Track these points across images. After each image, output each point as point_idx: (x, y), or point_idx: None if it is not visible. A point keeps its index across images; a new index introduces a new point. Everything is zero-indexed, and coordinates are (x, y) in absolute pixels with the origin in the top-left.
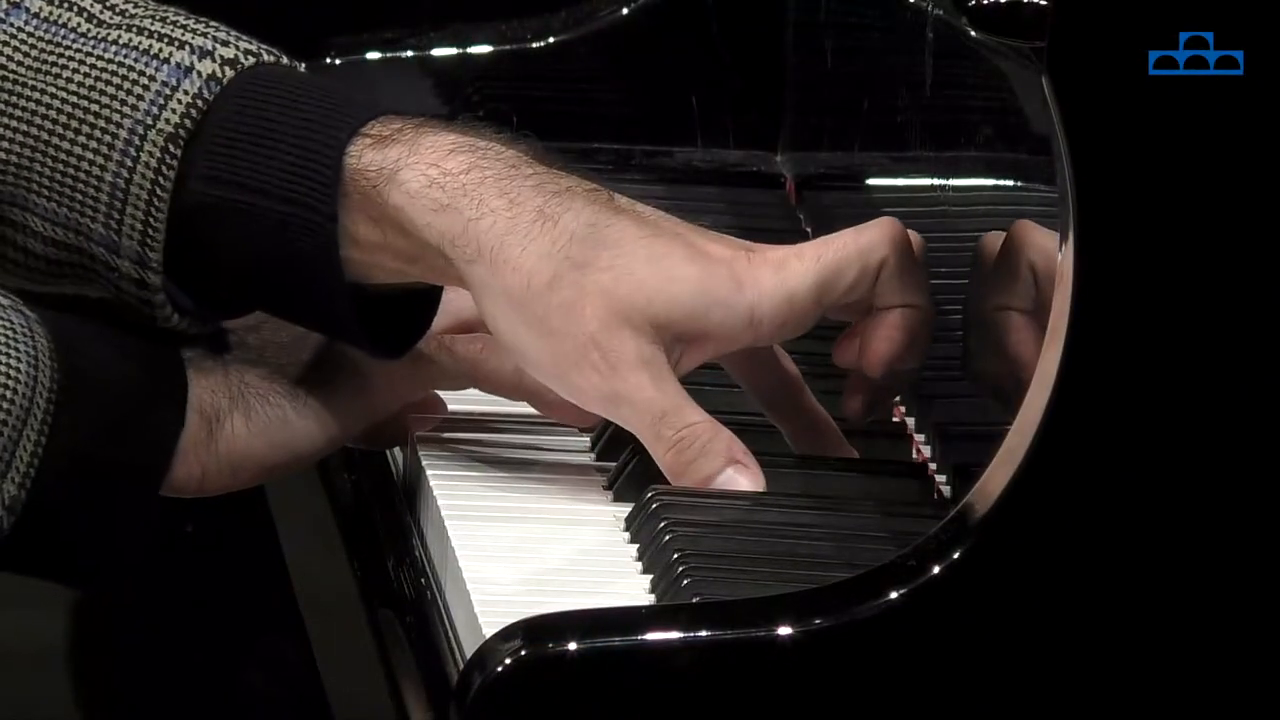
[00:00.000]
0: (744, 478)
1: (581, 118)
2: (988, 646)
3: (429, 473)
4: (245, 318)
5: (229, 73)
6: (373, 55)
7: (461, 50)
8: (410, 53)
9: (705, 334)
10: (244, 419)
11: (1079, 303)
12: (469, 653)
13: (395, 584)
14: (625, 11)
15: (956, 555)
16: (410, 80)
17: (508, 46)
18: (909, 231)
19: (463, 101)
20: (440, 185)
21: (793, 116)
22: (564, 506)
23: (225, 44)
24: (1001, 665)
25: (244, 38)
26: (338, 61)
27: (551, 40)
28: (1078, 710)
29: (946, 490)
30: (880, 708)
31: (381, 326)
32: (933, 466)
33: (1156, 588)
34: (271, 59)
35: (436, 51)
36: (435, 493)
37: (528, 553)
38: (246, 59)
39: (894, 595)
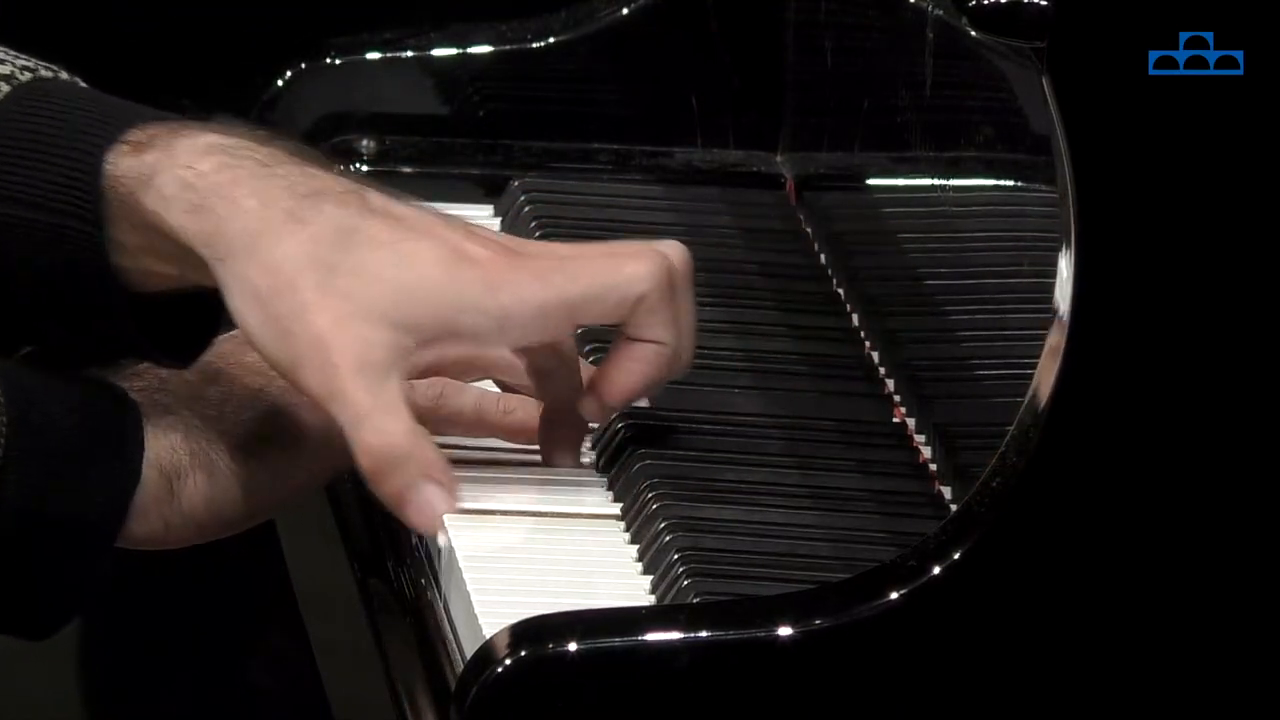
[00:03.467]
0: (436, 498)
1: (581, 118)
2: (987, 647)
3: None
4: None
5: (3, 88)
6: (373, 55)
7: (461, 50)
8: (410, 53)
9: (455, 335)
10: (206, 476)
11: (1079, 303)
12: (469, 653)
13: (395, 584)
14: (625, 11)
15: (956, 555)
16: (410, 80)
17: (508, 46)
18: (679, 259)
19: (463, 101)
20: (194, 187)
21: (793, 116)
22: (564, 506)
23: (1, 62)
24: (1001, 665)
25: (21, 56)
26: (338, 61)
27: (551, 40)
28: (1078, 710)
29: (946, 490)
30: (880, 708)
31: (168, 334)
32: (933, 467)
33: (1156, 588)
34: (49, 74)
35: (436, 51)
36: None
37: (528, 553)
38: (23, 75)
39: (894, 595)
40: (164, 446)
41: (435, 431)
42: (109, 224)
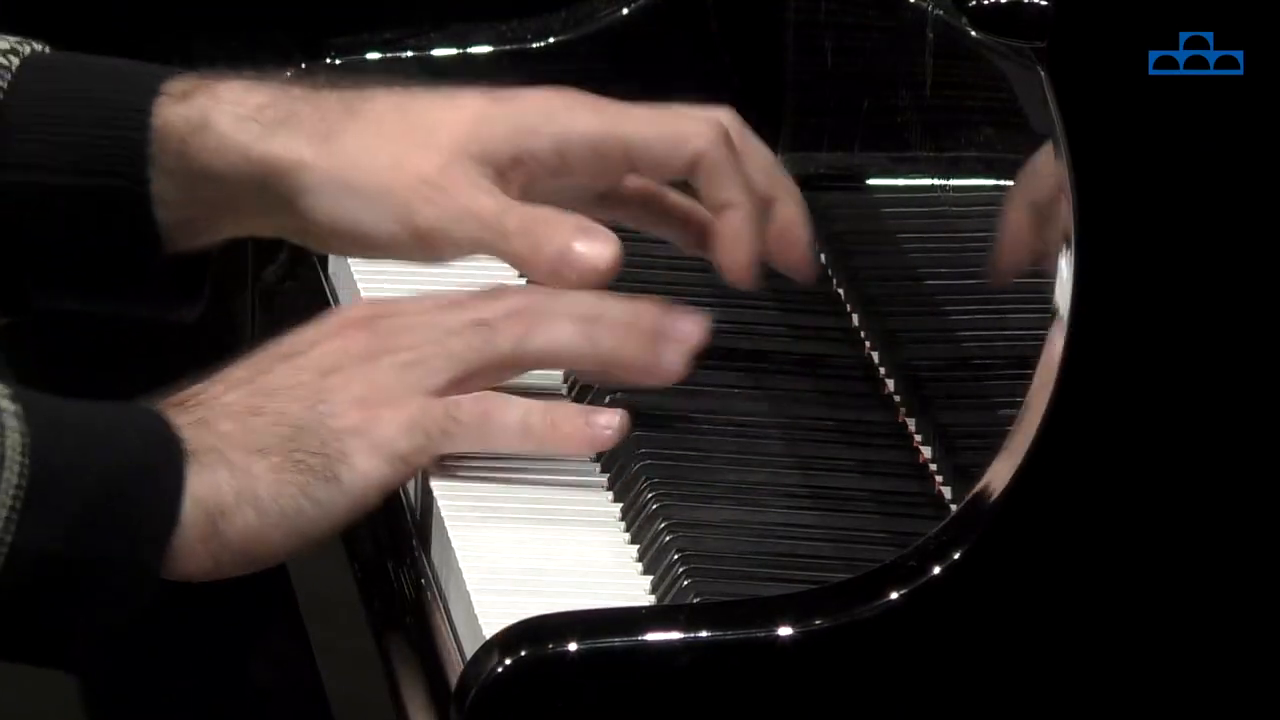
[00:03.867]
0: (595, 242)
1: None
2: (988, 647)
3: (429, 471)
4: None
5: (14, 60)
6: (373, 55)
7: (461, 50)
8: (410, 53)
9: (521, 162)
10: (254, 512)
11: (1079, 303)
12: (469, 653)
13: (395, 584)
14: (625, 11)
15: (956, 555)
16: (410, 80)
17: (508, 46)
18: (730, 120)
19: None
20: (253, 120)
21: (793, 116)
22: (564, 506)
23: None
24: (1001, 665)
25: (5, 37)
26: (338, 61)
27: (551, 40)
28: (1078, 710)
29: (947, 490)
30: (880, 708)
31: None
32: (933, 467)
33: (1156, 587)
34: (40, 47)
35: (436, 51)
36: (436, 493)
37: (528, 553)
38: (23, 48)
39: (894, 595)
40: (207, 485)
41: (480, 448)
42: (153, 179)
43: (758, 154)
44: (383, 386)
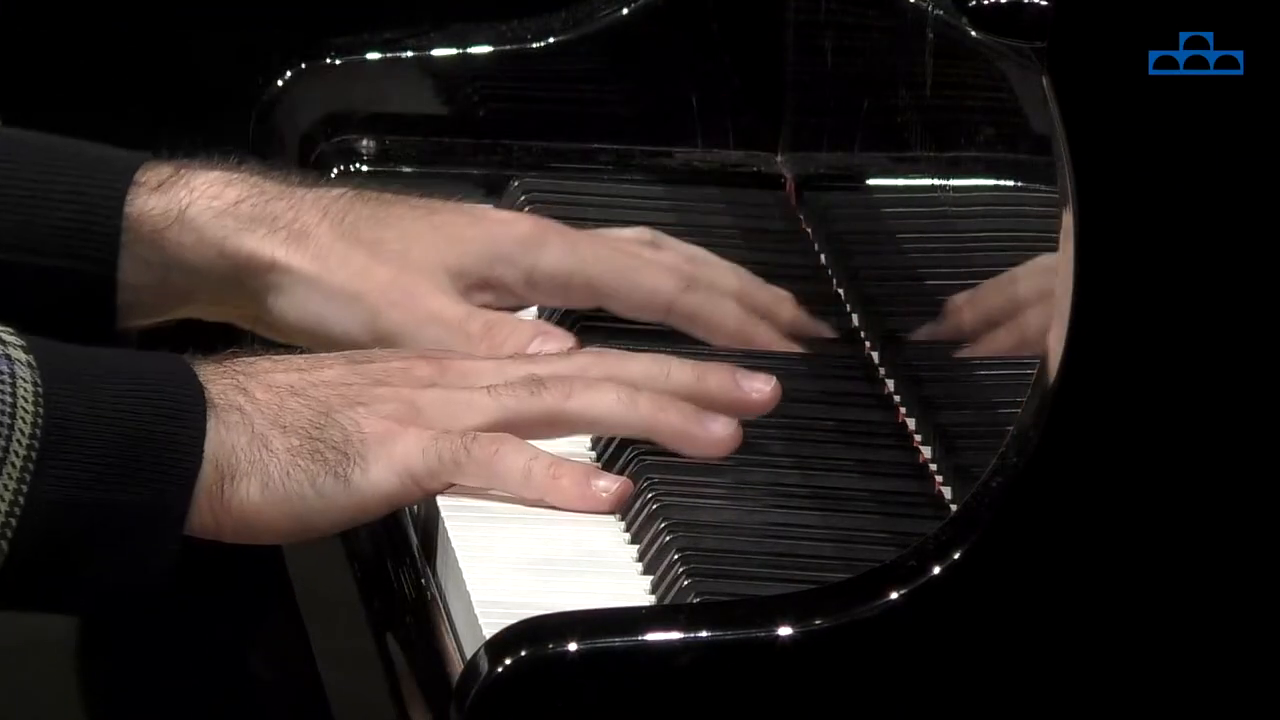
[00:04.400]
0: (552, 344)
1: (581, 118)
2: (988, 647)
3: None
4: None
5: None
6: (373, 55)
7: (461, 50)
8: (410, 53)
9: (490, 286)
10: (260, 487)
11: (1079, 303)
12: (469, 653)
13: (395, 584)
14: (625, 12)
15: (956, 555)
16: (410, 80)
17: (508, 46)
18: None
19: (463, 101)
20: (230, 214)
21: (793, 117)
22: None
23: None
24: (1001, 665)
25: None
26: (338, 61)
27: (551, 40)
28: (1078, 710)
29: (946, 490)
30: (880, 708)
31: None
32: (933, 467)
33: (1156, 587)
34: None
35: (436, 51)
36: (444, 512)
37: (528, 553)
38: None
39: (894, 595)
40: (224, 445)
41: (485, 485)
42: (121, 266)
43: (707, 263)
44: (421, 410)
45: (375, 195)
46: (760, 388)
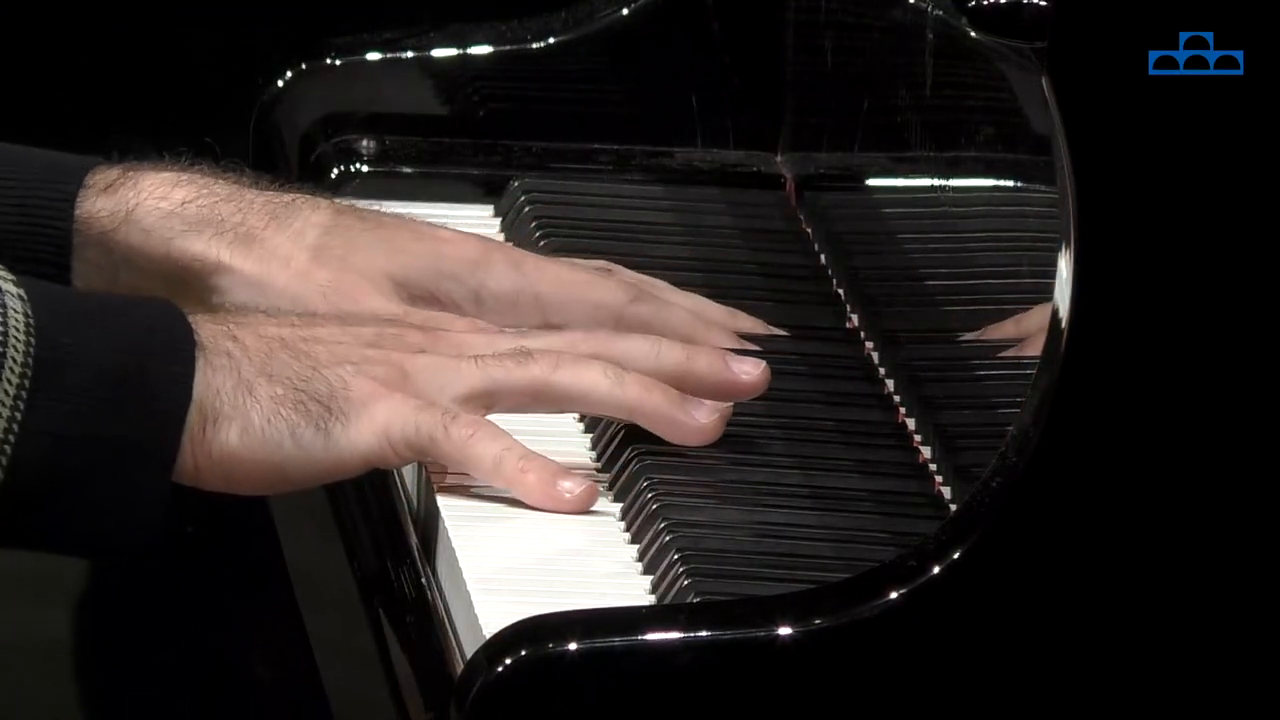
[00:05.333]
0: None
1: (581, 118)
2: (988, 647)
3: (430, 473)
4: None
5: None
6: (373, 55)
7: (461, 50)
8: (410, 53)
9: (437, 301)
10: (240, 431)
11: (1079, 303)
12: (469, 653)
13: (395, 584)
14: (625, 12)
15: (956, 555)
16: (410, 80)
17: (508, 46)
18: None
19: (463, 101)
20: (177, 215)
21: (793, 116)
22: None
23: None
24: (1001, 665)
25: None
26: (338, 61)
27: (551, 40)
28: (1078, 710)
29: (946, 490)
30: (880, 708)
31: None
32: (933, 467)
33: (1156, 587)
34: None
35: (436, 51)
36: (437, 492)
37: (528, 553)
38: None
39: (894, 595)
40: (210, 387)
41: (456, 465)
42: (75, 267)
43: (657, 285)
44: (409, 375)
45: (326, 203)
46: (749, 370)
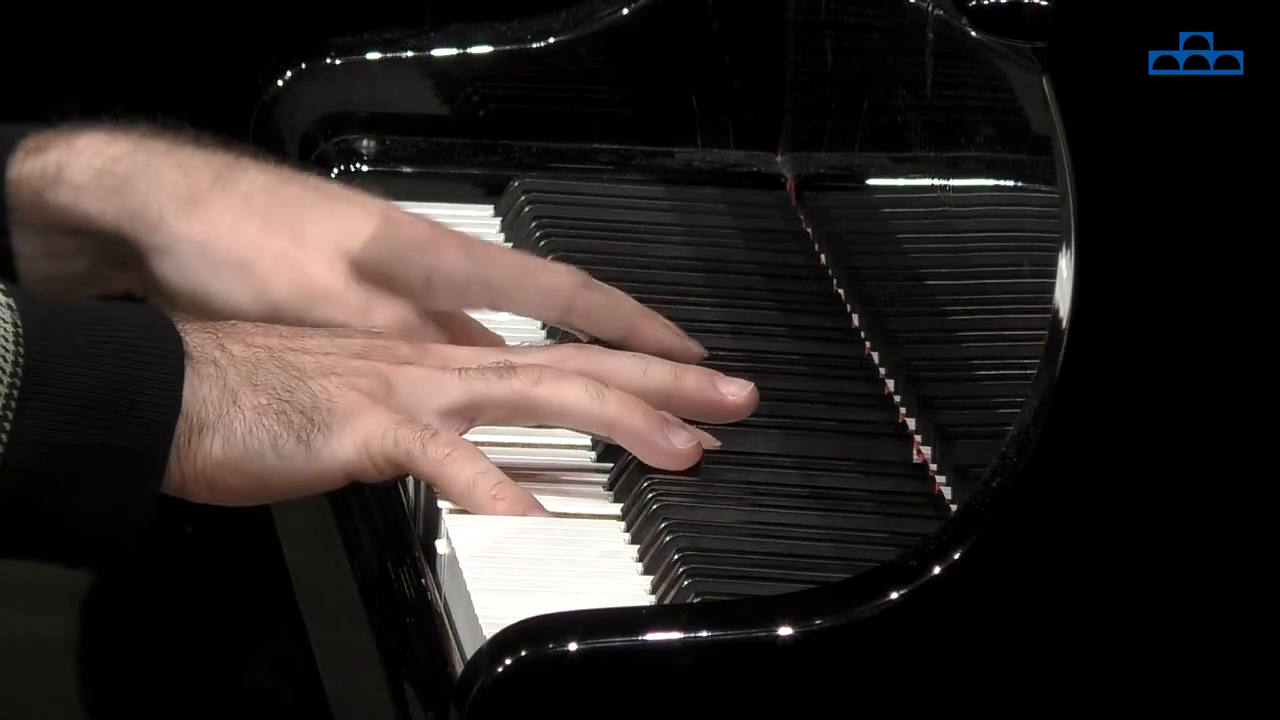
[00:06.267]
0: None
1: (581, 118)
2: (988, 647)
3: None
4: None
5: None
6: (373, 55)
7: (461, 50)
8: (410, 53)
9: (389, 282)
10: (223, 442)
11: (1079, 303)
12: (469, 653)
13: (395, 584)
14: (625, 12)
15: (956, 555)
16: (410, 80)
17: (508, 46)
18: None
19: (463, 101)
20: (110, 171)
21: (793, 116)
22: (564, 506)
23: None
24: (1001, 665)
25: None
26: (338, 61)
27: (551, 40)
28: (1077, 710)
29: (946, 490)
30: (880, 708)
31: None
32: (933, 467)
33: (1156, 587)
34: None
35: (436, 51)
36: (437, 493)
37: (528, 553)
38: None
39: (894, 595)
40: (196, 396)
41: (431, 483)
42: (14, 233)
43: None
44: (394, 388)
45: (271, 168)
46: (736, 391)
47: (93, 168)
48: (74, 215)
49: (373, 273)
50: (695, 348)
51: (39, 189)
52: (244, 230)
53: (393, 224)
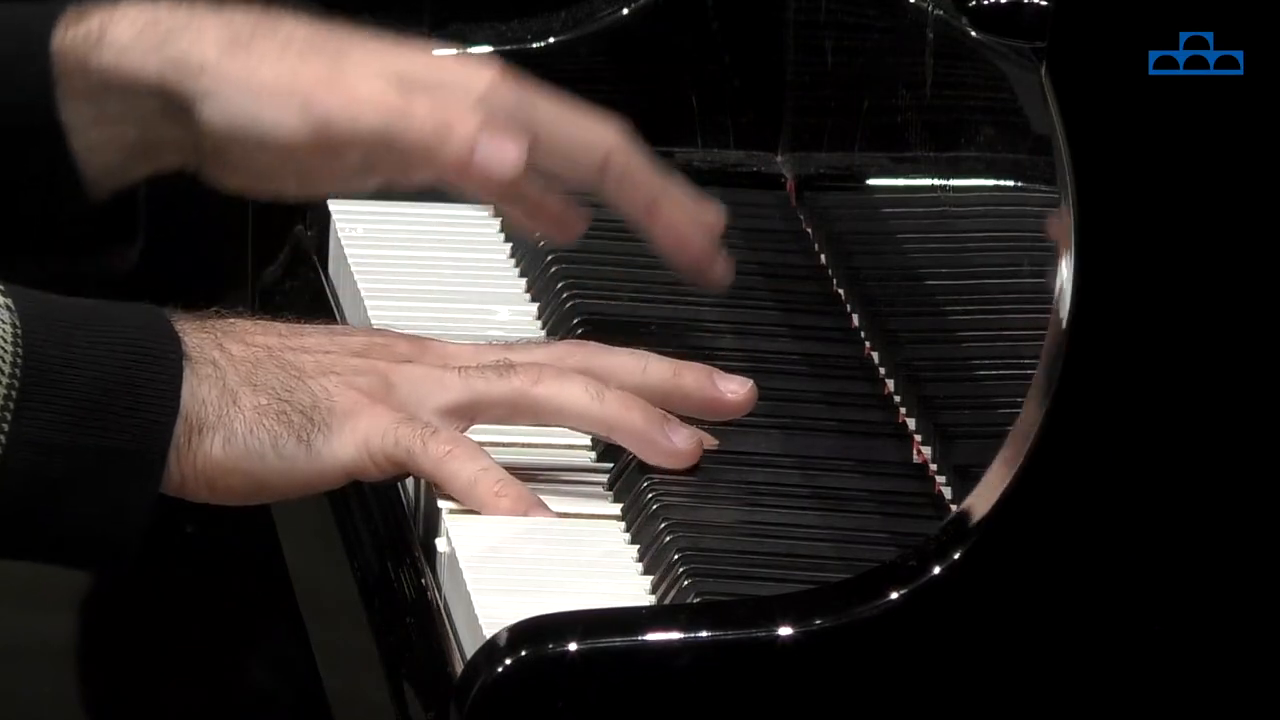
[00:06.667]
0: (503, 141)
1: None
2: (987, 647)
3: None
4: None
5: None
6: None
7: (461, 50)
8: None
9: (431, 93)
10: (223, 442)
11: (1079, 304)
12: (469, 653)
13: (395, 584)
14: (625, 12)
15: (956, 555)
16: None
17: (508, 46)
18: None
19: None
20: (152, 28)
21: (793, 116)
22: (564, 506)
23: None
24: (1001, 666)
25: None
26: None
27: (551, 40)
28: (1078, 710)
29: (947, 490)
30: (880, 708)
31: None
32: (933, 467)
33: (1156, 587)
34: None
35: (436, 52)
36: (437, 492)
37: (528, 553)
38: None
39: (894, 595)
40: (195, 397)
41: (432, 481)
42: (61, 105)
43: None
44: (394, 386)
45: (308, 19)
46: (736, 389)
47: (135, 26)
48: (119, 74)
49: (421, 87)
50: (712, 213)
51: (83, 54)
52: (286, 61)
53: (438, 61)
